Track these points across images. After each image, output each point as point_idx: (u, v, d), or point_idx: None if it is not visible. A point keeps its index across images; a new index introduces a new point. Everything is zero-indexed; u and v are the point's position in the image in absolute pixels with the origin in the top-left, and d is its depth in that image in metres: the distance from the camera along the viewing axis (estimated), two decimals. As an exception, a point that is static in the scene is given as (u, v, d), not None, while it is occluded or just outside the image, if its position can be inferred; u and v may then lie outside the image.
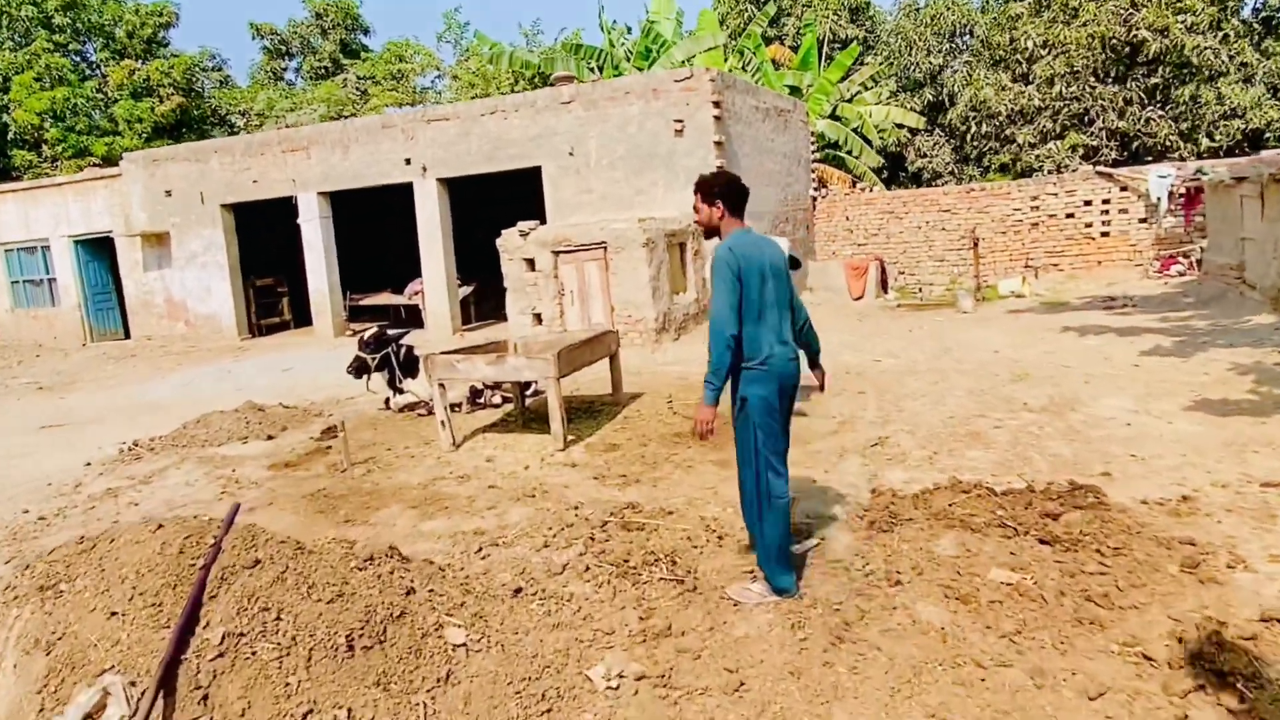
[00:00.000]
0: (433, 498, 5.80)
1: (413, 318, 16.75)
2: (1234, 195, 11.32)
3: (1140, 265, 16.04)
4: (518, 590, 4.12)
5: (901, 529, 4.57)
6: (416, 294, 16.35)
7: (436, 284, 14.95)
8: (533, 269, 11.38)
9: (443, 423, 6.93)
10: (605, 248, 10.85)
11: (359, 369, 8.57)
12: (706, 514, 5.10)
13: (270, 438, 8.07)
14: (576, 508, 5.26)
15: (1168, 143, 17.54)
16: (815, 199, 18.24)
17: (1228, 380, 7.33)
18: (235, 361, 14.89)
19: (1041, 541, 4.20)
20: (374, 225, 19.87)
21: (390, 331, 8.93)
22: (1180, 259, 15.42)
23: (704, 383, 3.79)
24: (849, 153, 20.24)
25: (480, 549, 4.73)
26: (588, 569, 4.36)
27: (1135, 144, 17.85)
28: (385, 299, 17.44)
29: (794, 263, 6.59)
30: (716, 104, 12.24)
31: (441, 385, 6.96)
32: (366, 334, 8.79)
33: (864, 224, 18.11)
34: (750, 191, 4.07)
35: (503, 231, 11.66)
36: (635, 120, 12.68)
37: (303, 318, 17.70)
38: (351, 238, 18.88)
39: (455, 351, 7.30)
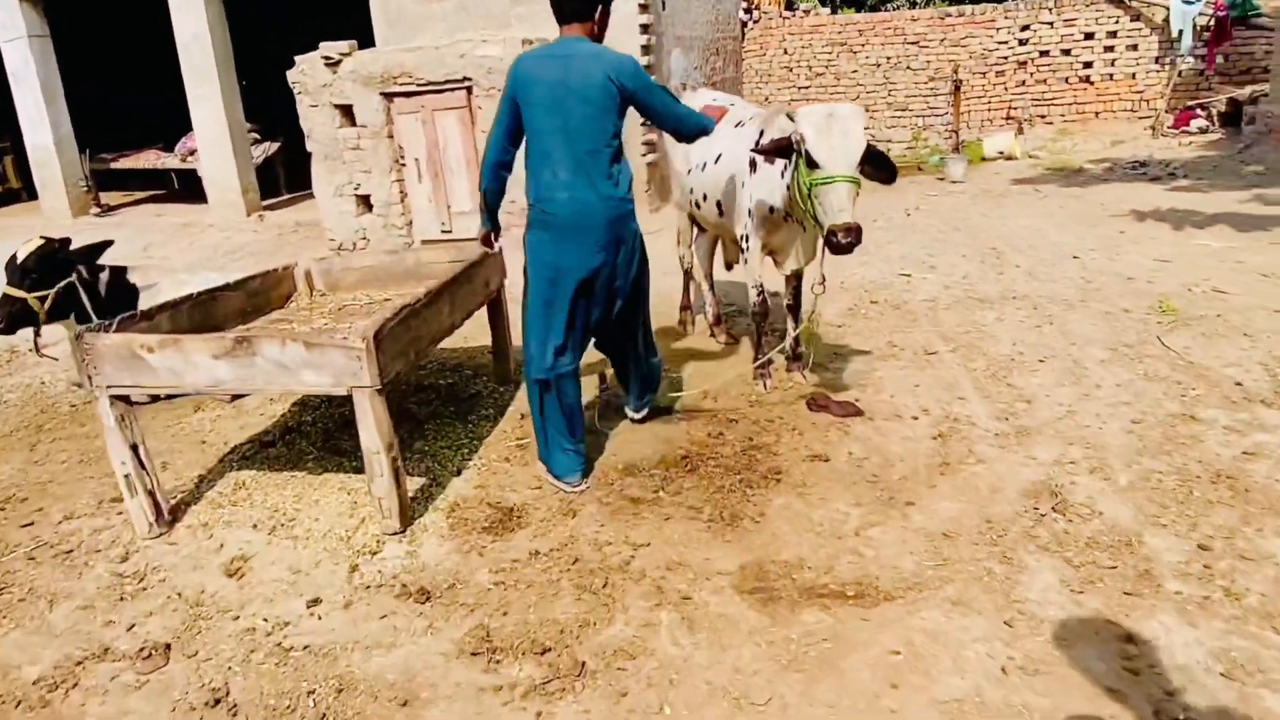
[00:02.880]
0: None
1: (191, 188, 12.27)
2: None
3: (1147, 118, 13.39)
4: None
5: None
6: (194, 153, 11.85)
7: (216, 140, 10.55)
8: (352, 122, 7.41)
9: (127, 480, 3.31)
10: (470, 88, 7.00)
11: (12, 320, 4.68)
12: None
13: None
14: None
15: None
16: (744, 24, 14.47)
17: None
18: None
19: None
20: (129, 50, 14.63)
21: (73, 247, 4.98)
22: (1198, 111, 12.83)
23: None
24: (781, -36, 16.31)
25: None
26: None
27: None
28: (150, 160, 12.75)
29: (878, 161, 3.71)
30: None
31: (125, 402, 3.29)
32: (22, 252, 4.84)
33: (806, 59, 14.56)
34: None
35: (297, 59, 7.53)
36: (508, -117, 8.48)
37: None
38: (96, 70, 13.78)
39: (147, 318, 3.57)
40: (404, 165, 7.42)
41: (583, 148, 3.29)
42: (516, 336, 5.02)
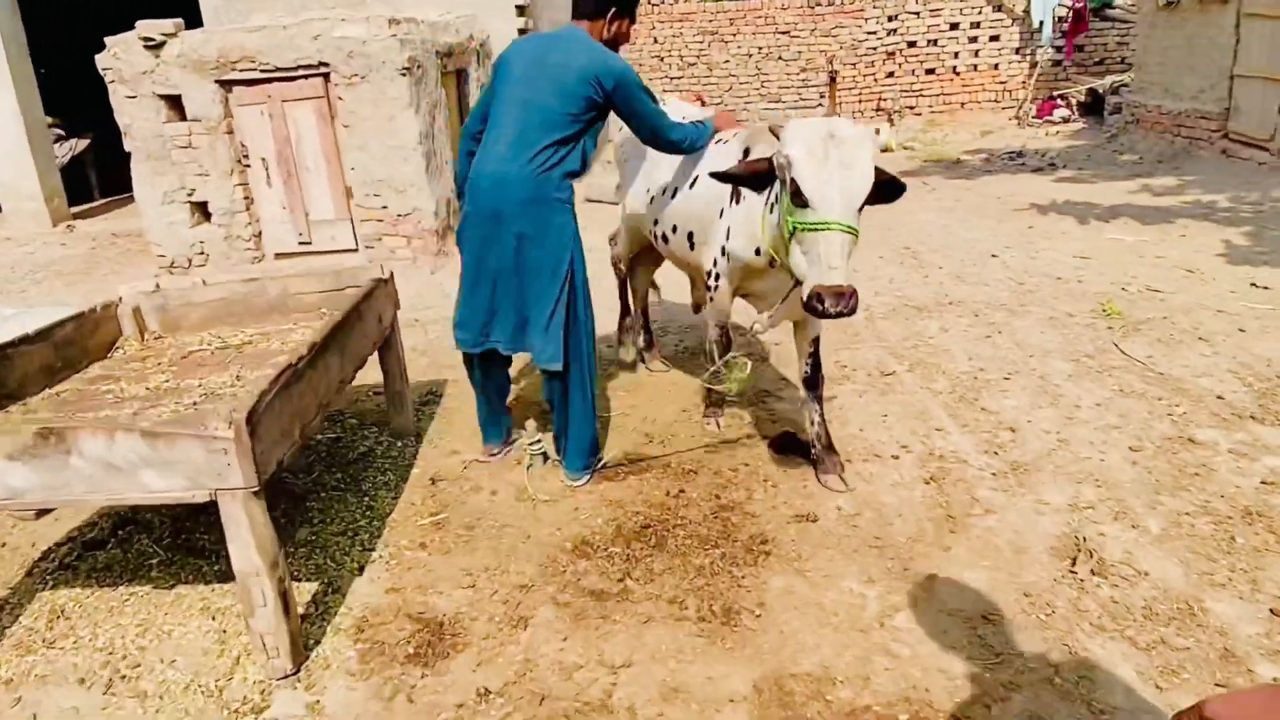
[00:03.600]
0: None
1: (-20, 193, 10.46)
2: (1216, 15, 8.74)
3: (1010, 108, 13.70)
4: None
5: None
6: (-18, 152, 10.08)
7: (9, 139, 8.95)
8: (182, 116, 6.27)
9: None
10: (328, 75, 6.01)
11: None
12: None
13: None
14: None
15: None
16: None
17: None
18: None
19: None
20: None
21: None
22: (1059, 101, 13.22)
23: None
24: (644, -51, 15.77)
25: None
26: None
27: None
28: (-74, 160, 10.81)
29: (891, 190, 2.86)
30: None
31: None
32: None
33: (678, 48, 14.10)
34: None
35: (108, 41, 6.30)
36: None
37: None
38: None
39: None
40: (249, 166, 6.34)
41: (532, 126, 3.13)
42: (415, 372, 4.23)
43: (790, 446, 3.63)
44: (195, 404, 2.92)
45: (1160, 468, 3.39)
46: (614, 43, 3.30)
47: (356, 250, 6.43)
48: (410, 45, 5.90)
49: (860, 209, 2.70)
